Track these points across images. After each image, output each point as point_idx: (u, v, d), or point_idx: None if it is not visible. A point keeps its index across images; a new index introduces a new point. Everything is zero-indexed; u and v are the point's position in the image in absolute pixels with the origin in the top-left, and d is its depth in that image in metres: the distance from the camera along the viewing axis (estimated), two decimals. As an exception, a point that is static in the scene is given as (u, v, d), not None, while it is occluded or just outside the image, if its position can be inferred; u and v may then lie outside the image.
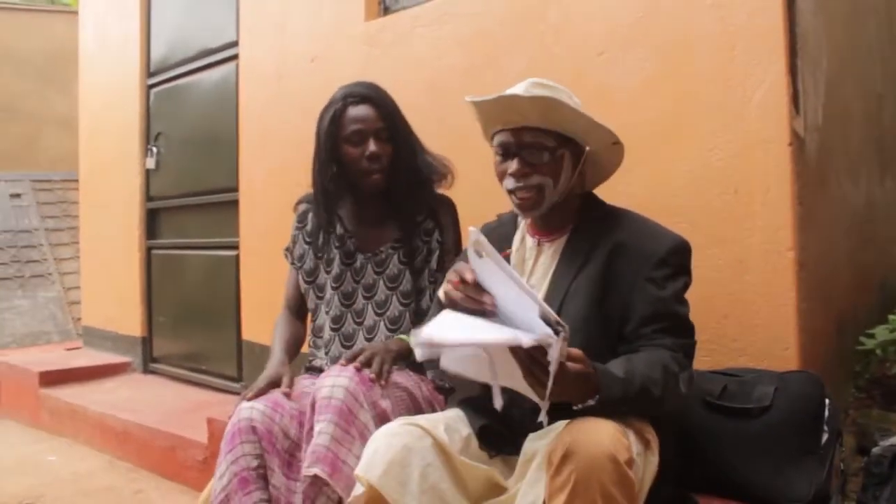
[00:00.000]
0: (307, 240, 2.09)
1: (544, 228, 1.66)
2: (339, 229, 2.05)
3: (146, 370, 4.38)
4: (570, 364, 1.29)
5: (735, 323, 1.92)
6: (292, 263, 2.12)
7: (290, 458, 1.75)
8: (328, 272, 2.04)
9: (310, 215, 2.10)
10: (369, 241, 2.03)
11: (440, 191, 2.09)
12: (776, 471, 1.63)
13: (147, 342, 4.41)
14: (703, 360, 1.94)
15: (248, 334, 3.54)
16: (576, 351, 1.31)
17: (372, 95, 1.96)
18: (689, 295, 1.63)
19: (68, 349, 5.00)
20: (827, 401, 1.67)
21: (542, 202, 1.58)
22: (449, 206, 2.07)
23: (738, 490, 1.66)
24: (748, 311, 1.90)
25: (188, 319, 4.12)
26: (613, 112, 2.14)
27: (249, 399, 1.78)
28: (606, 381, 1.35)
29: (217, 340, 3.83)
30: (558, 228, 1.65)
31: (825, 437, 1.65)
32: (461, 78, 2.59)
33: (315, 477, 1.58)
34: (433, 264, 2.00)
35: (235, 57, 3.70)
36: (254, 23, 3.55)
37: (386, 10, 2.98)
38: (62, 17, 10.21)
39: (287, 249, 2.14)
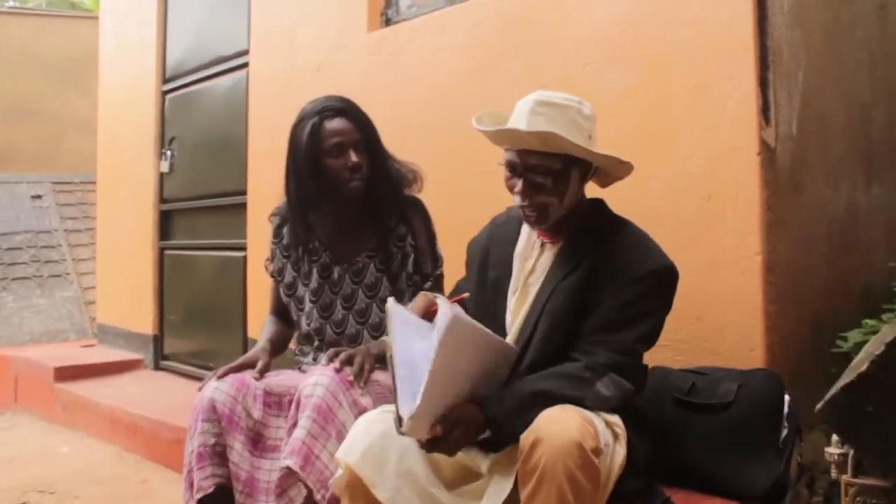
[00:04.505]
0: (284, 254, 2.14)
1: (548, 231, 1.70)
2: (313, 243, 2.09)
3: (157, 367, 4.48)
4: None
5: (707, 324, 2.01)
6: (272, 276, 2.17)
7: (256, 437, 1.87)
8: (306, 285, 2.09)
9: (285, 229, 2.14)
10: (345, 252, 2.07)
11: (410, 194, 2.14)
12: (737, 463, 1.72)
13: (158, 340, 4.52)
14: (676, 360, 2.03)
15: (254, 332, 3.61)
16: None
17: (347, 108, 2.02)
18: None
19: (83, 346, 5.12)
20: (787, 397, 1.75)
21: (548, 219, 1.64)
22: (419, 208, 2.12)
23: (702, 482, 1.75)
24: (719, 313, 1.99)
25: (198, 318, 4.23)
26: (597, 121, 2.25)
27: (220, 377, 1.88)
28: (487, 404, 1.49)
29: (225, 338, 3.93)
30: (560, 232, 1.69)
31: (784, 431, 1.73)
32: (457, 86, 2.70)
33: (288, 468, 1.69)
34: (409, 268, 2.06)
35: (246, 65, 3.83)
36: (264, 33, 3.68)
37: (387, 22, 3.10)
38: (84, 22, 10.38)
39: (267, 261, 2.19)
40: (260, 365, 1.93)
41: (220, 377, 1.90)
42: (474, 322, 1.48)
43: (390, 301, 1.54)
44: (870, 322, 2.34)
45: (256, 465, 1.84)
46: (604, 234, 1.66)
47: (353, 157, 1.97)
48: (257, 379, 1.91)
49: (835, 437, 1.48)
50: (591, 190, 1.75)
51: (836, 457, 1.49)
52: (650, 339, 1.61)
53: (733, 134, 1.97)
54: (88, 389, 3.99)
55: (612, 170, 1.70)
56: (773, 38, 2.02)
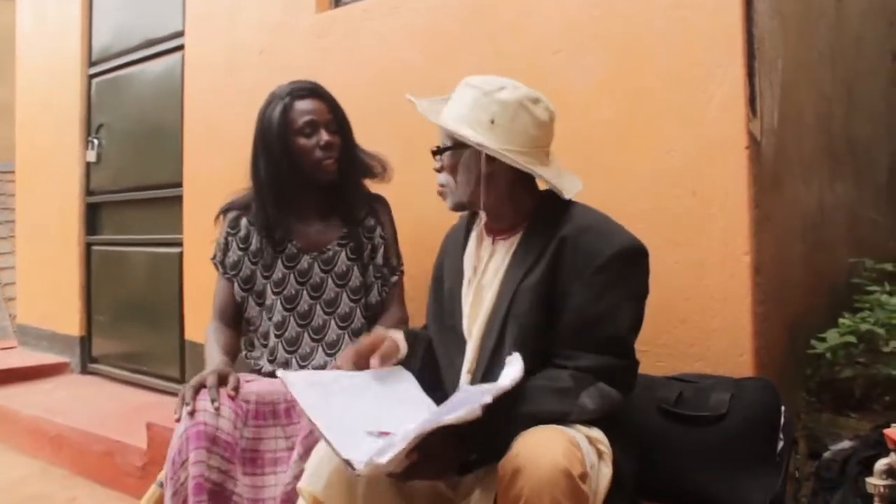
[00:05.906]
0: (241, 246, 2.03)
1: (497, 227, 1.60)
2: (277, 233, 2.01)
3: (84, 371, 4.23)
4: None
5: (692, 328, 1.90)
6: (224, 273, 2.04)
7: (252, 455, 1.74)
8: (267, 277, 2.00)
9: (243, 221, 2.05)
10: (315, 240, 2.02)
11: (377, 186, 2.15)
12: (732, 479, 1.60)
13: (86, 342, 4.26)
14: (658, 366, 1.91)
15: (191, 334, 3.43)
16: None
17: (318, 90, 2.02)
18: (648, 299, 1.57)
19: (2, 349, 4.80)
20: (783, 408, 1.64)
21: (447, 197, 1.62)
22: (385, 204, 2.16)
23: (693, 499, 1.63)
24: (705, 316, 1.88)
25: (129, 318, 3.99)
26: (570, 112, 2.09)
27: (214, 403, 1.69)
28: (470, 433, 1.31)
29: (159, 340, 3.71)
30: (511, 227, 1.58)
31: (780, 444, 1.63)
32: (412, 72, 2.54)
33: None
34: (379, 259, 2.07)
35: (181, 48, 3.59)
36: (201, 12, 3.44)
37: (337, 3, 2.91)
38: (5, 1, 9.82)
39: (215, 258, 2.07)
40: (233, 381, 1.76)
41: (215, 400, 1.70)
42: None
43: (280, 373, 1.49)
44: (846, 322, 2.27)
45: (260, 483, 1.72)
46: (557, 221, 1.51)
47: (326, 136, 1.96)
48: (233, 398, 1.74)
49: (878, 466, 1.35)
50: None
51: (881, 489, 1.34)
52: (635, 327, 1.48)
53: (720, 126, 1.85)
54: (8, 397, 3.72)
55: (510, 162, 1.50)
56: (759, 25, 1.92)
